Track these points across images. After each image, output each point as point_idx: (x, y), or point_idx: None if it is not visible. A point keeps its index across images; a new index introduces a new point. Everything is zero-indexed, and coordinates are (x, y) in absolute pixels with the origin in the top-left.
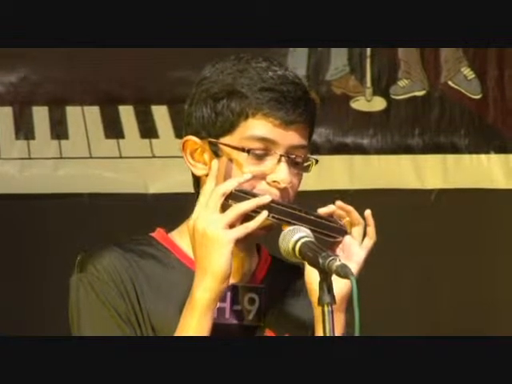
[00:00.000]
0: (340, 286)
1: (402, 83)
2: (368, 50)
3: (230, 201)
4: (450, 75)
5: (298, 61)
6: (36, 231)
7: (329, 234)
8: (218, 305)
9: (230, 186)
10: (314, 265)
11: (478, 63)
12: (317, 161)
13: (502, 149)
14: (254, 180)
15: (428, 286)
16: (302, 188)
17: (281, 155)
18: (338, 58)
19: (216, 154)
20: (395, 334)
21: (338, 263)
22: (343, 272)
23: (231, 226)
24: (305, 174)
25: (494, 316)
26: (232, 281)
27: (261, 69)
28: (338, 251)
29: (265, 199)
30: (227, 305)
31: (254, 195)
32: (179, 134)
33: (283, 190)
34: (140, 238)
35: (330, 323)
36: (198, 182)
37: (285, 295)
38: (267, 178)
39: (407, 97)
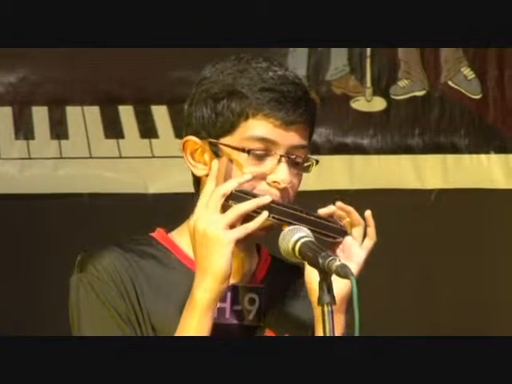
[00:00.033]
0: (340, 286)
1: (401, 83)
2: (368, 50)
3: (230, 201)
4: (449, 75)
5: (297, 61)
6: (36, 231)
7: (329, 234)
8: (218, 305)
9: (230, 186)
10: (314, 265)
11: (478, 63)
12: (317, 161)
13: (502, 149)
14: (255, 180)
15: (428, 286)
16: (301, 188)
17: (281, 155)
18: (338, 58)
19: (216, 154)
20: (395, 334)
21: (337, 263)
22: (343, 272)
23: (231, 226)
24: (305, 174)
25: (494, 316)
26: (232, 281)
27: (261, 69)
28: (339, 252)
29: (265, 200)
30: (227, 305)
31: (255, 196)
32: (179, 134)
33: (283, 191)
34: (140, 238)
35: (329, 323)
36: (198, 182)
37: (285, 295)
38: (267, 178)
39: (407, 97)
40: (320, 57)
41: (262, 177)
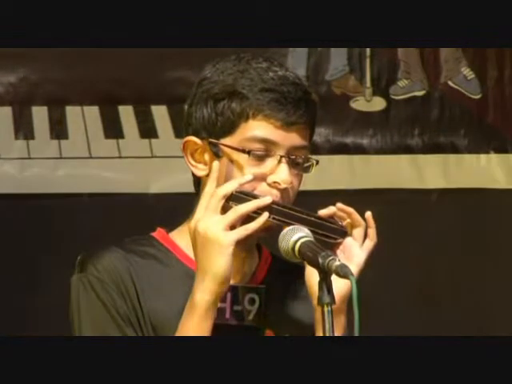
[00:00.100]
0: (340, 286)
1: (401, 83)
2: (368, 50)
3: (230, 202)
4: (449, 75)
5: (297, 61)
6: (36, 231)
7: (329, 235)
8: (219, 305)
9: (230, 187)
10: (314, 265)
11: (478, 63)
12: (317, 161)
13: (502, 149)
14: (255, 181)
15: (428, 286)
16: (301, 188)
17: (281, 156)
18: (338, 58)
19: (216, 154)
20: (395, 334)
21: (337, 263)
22: (343, 272)
23: (232, 227)
24: (304, 175)
25: (494, 316)
26: (232, 281)
27: (261, 69)
28: (339, 253)
29: (265, 200)
30: (227, 305)
31: (255, 196)
32: (179, 134)
33: (284, 191)
34: (141, 237)
35: (329, 323)
36: (198, 182)
37: (285, 295)
38: (268, 178)
39: (407, 97)
40: (320, 57)
41: (263, 177)
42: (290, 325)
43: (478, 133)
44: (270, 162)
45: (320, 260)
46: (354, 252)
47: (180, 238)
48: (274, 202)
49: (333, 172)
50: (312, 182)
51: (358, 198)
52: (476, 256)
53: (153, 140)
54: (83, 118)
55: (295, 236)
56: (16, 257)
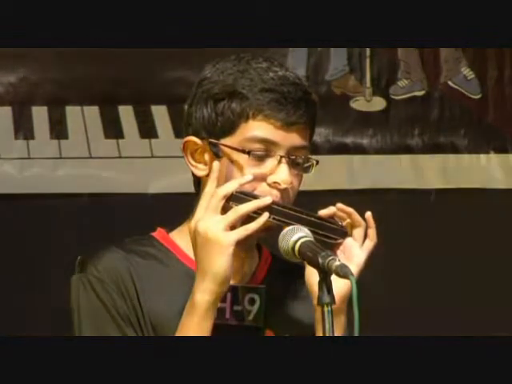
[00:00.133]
0: (340, 286)
1: (401, 83)
2: (367, 50)
3: (230, 202)
4: (449, 75)
5: (297, 61)
6: (36, 231)
7: (329, 235)
8: (219, 305)
9: (230, 187)
10: (314, 264)
11: (478, 63)
12: (317, 162)
13: (502, 149)
14: (255, 181)
15: (428, 286)
16: (301, 188)
17: (281, 156)
18: (338, 58)
19: (216, 154)
20: (395, 334)
21: (337, 263)
22: (343, 272)
23: (232, 227)
24: (304, 175)
25: (494, 316)
26: (232, 281)
27: (261, 69)
28: (339, 253)
29: (265, 201)
30: (227, 305)
31: (255, 197)
32: (179, 134)
33: (284, 191)
34: (141, 238)
35: (329, 323)
36: (198, 182)
37: (285, 295)
38: (268, 179)
39: (407, 97)
40: (320, 57)
41: (263, 178)
42: (290, 325)
43: (477, 133)
44: (270, 163)
45: (320, 260)
46: (354, 252)
47: (180, 238)
48: (274, 202)
49: (332, 172)
50: (312, 181)
51: (358, 198)
52: (476, 256)
53: (153, 140)
54: (83, 118)
55: (295, 236)
56: (16, 257)
